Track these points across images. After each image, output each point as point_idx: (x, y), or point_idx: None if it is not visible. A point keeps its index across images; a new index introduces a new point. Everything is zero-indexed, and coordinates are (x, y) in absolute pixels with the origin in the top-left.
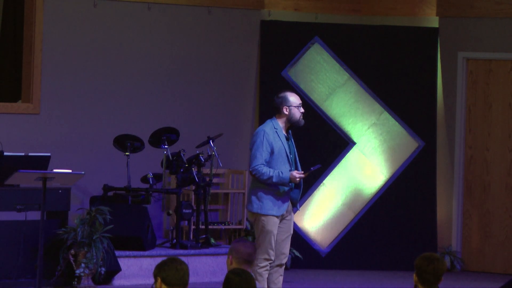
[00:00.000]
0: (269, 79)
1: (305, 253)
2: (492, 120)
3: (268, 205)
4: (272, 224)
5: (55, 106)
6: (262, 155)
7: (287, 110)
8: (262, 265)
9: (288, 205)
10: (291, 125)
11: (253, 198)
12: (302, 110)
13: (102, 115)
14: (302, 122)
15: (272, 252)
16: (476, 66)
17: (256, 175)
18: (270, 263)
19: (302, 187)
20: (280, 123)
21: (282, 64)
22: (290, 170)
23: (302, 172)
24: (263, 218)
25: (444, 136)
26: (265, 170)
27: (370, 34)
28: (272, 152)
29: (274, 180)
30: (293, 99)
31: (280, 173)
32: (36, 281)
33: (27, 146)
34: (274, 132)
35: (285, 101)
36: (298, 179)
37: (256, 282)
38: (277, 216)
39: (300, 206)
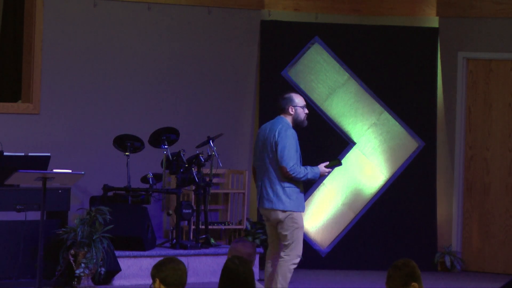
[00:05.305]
0: (269, 79)
1: (305, 253)
2: (492, 120)
3: (299, 202)
4: (303, 219)
5: (55, 106)
6: (296, 155)
7: (293, 110)
8: (296, 261)
9: None
10: (296, 125)
11: (283, 197)
12: (306, 111)
13: (102, 115)
14: (306, 123)
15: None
16: (476, 66)
17: (294, 174)
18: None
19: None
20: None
21: (282, 64)
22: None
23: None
24: (297, 215)
25: (444, 136)
26: (302, 168)
27: (370, 34)
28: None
29: (309, 176)
30: (299, 100)
31: (312, 168)
32: (36, 281)
33: (27, 146)
34: None
35: (291, 101)
36: (326, 173)
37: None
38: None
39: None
